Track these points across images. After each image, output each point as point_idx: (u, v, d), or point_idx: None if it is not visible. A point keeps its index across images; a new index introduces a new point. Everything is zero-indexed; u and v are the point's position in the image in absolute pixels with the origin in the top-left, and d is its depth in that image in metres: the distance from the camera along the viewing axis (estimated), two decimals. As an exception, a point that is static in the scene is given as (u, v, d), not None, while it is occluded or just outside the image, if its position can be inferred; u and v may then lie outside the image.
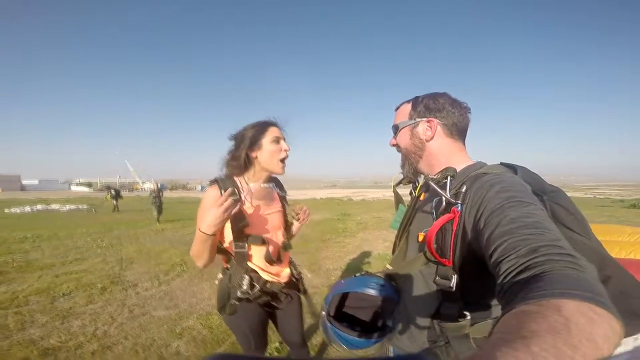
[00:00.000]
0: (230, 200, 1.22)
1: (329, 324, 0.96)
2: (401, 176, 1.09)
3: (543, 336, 0.33)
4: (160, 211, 11.60)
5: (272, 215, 1.49)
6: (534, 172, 0.83)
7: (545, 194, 0.77)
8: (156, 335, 2.91)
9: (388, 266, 0.99)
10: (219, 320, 3.14)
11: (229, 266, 1.44)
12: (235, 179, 1.42)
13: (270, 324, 1.63)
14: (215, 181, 1.40)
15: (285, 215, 1.60)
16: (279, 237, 1.53)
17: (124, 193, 21.96)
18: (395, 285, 0.99)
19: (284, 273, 1.53)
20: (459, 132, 0.93)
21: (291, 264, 1.62)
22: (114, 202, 17.13)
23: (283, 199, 1.61)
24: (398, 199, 1.18)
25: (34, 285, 4.23)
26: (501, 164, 0.87)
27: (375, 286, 0.97)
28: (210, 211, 1.20)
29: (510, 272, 0.52)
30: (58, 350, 2.62)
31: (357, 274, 1.08)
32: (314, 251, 6.39)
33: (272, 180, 1.55)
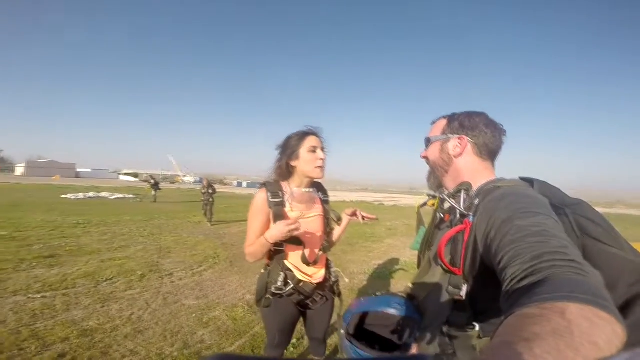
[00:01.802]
0: (298, 224, 1.37)
1: (348, 343, 0.96)
2: (427, 198, 1.11)
3: (545, 339, 0.33)
4: (211, 211, 10.21)
5: (312, 219, 1.57)
6: (553, 186, 0.83)
7: (567, 207, 0.76)
8: (185, 322, 3.10)
9: (409, 284, 1.01)
10: (243, 313, 3.31)
11: (270, 263, 1.56)
12: (281, 183, 1.55)
13: (300, 319, 1.70)
14: (264, 185, 1.53)
15: (325, 219, 1.65)
16: (317, 239, 1.59)
17: (165, 185, 22.92)
18: (416, 304, 0.97)
19: (318, 274, 1.59)
20: (489, 152, 0.93)
21: (328, 266, 1.68)
22: (153, 192, 17.85)
23: (325, 202, 1.67)
24: (420, 221, 1.20)
25: (82, 269, 4.59)
26: (520, 178, 0.88)
27: (396, 305, 0.97)
28: (279, 226, 1.36)
29: (514, 278, 0.53)
30: (95, 331, 2.83)
31: (378, 293, 1.09)
32: (339, 254, 6.39)
33: (315, 185, 1.63)
